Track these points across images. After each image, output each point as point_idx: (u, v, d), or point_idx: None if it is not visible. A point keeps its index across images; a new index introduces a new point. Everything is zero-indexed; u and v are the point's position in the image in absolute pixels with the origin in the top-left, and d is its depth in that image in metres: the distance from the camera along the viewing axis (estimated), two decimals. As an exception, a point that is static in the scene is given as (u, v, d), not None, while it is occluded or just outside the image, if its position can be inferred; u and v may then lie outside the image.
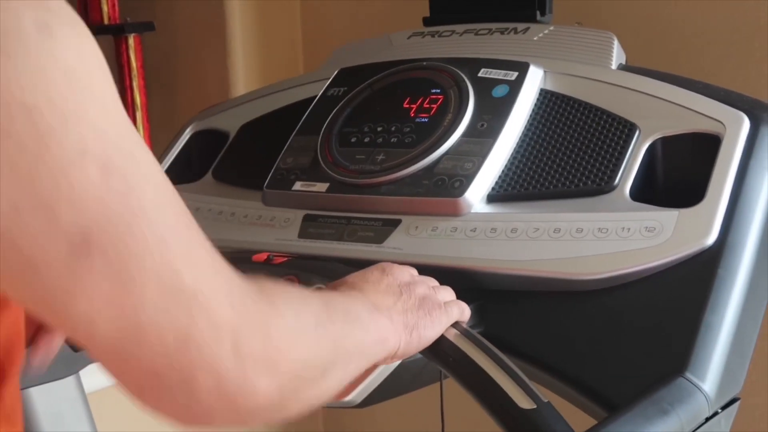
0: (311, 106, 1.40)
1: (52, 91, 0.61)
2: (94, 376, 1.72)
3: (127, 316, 0.65)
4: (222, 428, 0.75)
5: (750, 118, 1.13)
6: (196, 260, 0.69)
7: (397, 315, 0.96)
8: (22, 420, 0.84)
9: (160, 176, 0.68)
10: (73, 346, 1.47)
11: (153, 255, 0.66)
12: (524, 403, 0.93)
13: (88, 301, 0.64)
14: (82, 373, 1.66)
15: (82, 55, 0.64)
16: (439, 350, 1.00)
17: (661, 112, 1.18)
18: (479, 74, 1.30)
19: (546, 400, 0.93)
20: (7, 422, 0.80)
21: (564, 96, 1.25)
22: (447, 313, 1.01)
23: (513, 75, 1.28)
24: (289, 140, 1.37)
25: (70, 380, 1.61)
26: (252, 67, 2.10)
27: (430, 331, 0.99)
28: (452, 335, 1.01)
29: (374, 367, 1.02)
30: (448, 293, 1.05)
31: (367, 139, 1.30)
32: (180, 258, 0.67)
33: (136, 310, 0.65)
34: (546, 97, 1.26)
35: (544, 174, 1.19)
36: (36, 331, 0.94)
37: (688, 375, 0.97)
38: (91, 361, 1.57)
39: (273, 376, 0.73)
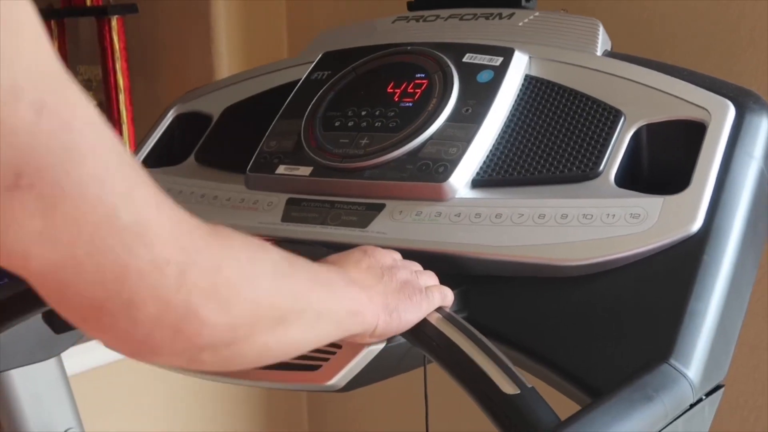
0: (295, 90, 1.39)
1: None
2: (76, 359, 1.72)
3: (61, 251, 0.66)
4: (173, 363, 0.75)
5: (735, 106, 1.13)
6: (136, 198, 0.69)
7: (377, 296, 0.96)
8: None
9: (95, 117, 0.68)
10: (55, 329, 1.46)
11: (88, 192, 0.66)
12: (508, 388, 0.93)
13: (21, 236, 0.65)
14: (64, 355, 1.65)
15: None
16: (423, 334, 1.00)
17: (646, 99, 1.17)
18: (464, 59, 1.29)
19: (530, 386, 0.93)
20: None
21: (549, 82, 1.24)
22: (428, 298, 1.01)
23: (498, 60, 1.27)
24: (273, 124, 1.36)
25: (51, 362, 1.60)
26: (236, 50, 2.10)
27: (411, 314, 0.99)
28: (435, 320, 1.01)
29: (358, 350, 1.02)
30: (430, 278, 1.05)
31: (350, 123, 1.29)
32: (119, 195, 0.68)
33: (72, 245, 0.66)
34: (531, 83, 1.25)
35: (528, 160, 1.18)
36: None
37: (673, 362, 0.96)
38: (72, 344, 1.57)
39: (222, 311, 0.73)
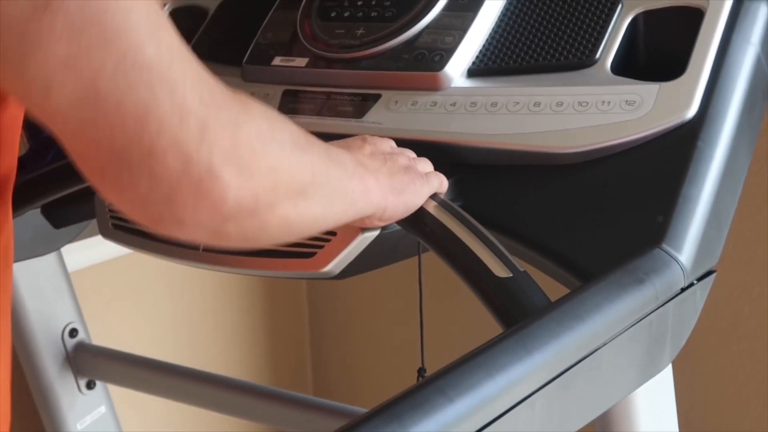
0: (291, -19, 1.38)
1: None
2: (76, 255, 1.73)
3: (84, 82, 0.65)
4: (198, 236, 0.74)
5: (733, -8, 1.12)
6: (162, 39, 0.68)
7: (384, 179, 0.96)
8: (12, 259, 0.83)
9: None
10: (54, 223, 1.47)
11: (116, 21, 0.65)
12: (500, 271, 0.93)
13: (46, 63, 0.64)
14: (64, 252, 1.67)
15: None
16: (417, 220, 1.00)
17: (644, -15, 1.16)
18: (462, -53, 1.28)
19: (522, 270, 0.94)
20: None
21: (547, -30, 1.23)
22: (428, 182, 1.01)
23: (496, -52, 1.26)
24: (269, 16, 1.36)
25: (51, 257, 1.62)
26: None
27: (416, 197, 0.99)
28: (430, 206, 1.01)
29: (353, 236, 1.03)
30: (426, 165, 1.05)
31: (347, 14, 1.28)
32: (146, 32, 0.66)
33: (94, 76, 0.65)
34: (528, -29, 1.24)
35: (525, 48, 1.18)
36: None
37: (665, 246, 0.97)
38: (71, 239, 1.58)
39: (244, 176, 0.72)
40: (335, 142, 0.99)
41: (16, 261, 1.26)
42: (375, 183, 0.94)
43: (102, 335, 1.82)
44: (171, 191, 0.69)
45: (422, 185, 1.01)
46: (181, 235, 0.73)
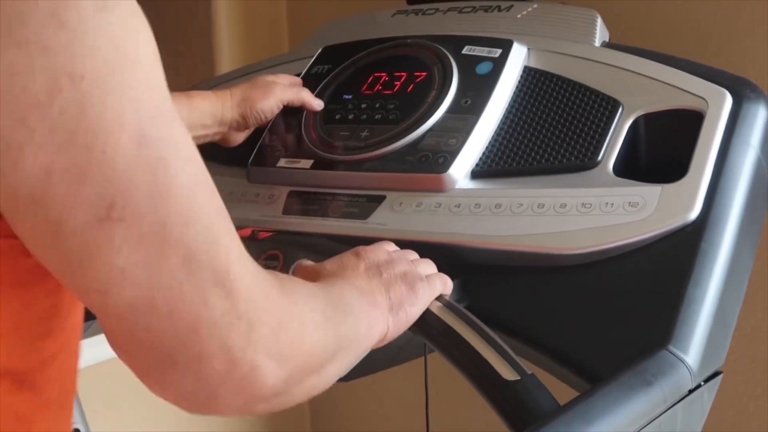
0: (295, 84, 1.40)
1: (100, 64, 0.63)
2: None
3: (140, 288, 0.66)
4: (225, 414, 0.75)
5: (732, 95, 1.14)
6: (220, 246, 0.69)
7: (381, 296, 0.96)
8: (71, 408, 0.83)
9: (194, 158, 0.69)
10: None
11: (174, 232, 0.66)
12: (508, 374, 0.93)
13: (105, 269, 0.65)
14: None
15: (133, 34, 0.65)
16: (423, 323, 1.00)
17: (644, 88, 1.18)
18: (463, 51, 1.30)
19: (530, 372, 0.94)
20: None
21: (548, 73, 1.25)
22: (430, 286, 1.01)
23: (497, 52, 1.28)
24: (274, 118, 1.37)
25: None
26: (237, 44, 2.10)
27: (416, 306, 0.99)
28: (436, 308, 1.01)
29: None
30: (428, 266, 1.05)
31: (351, 116, 1.30)
32: (203, 240, 0.67)
33: (150, 284, 0.66)
34: (530, 74, 1.26)
35: (527, 150, 1.19)
36: None
37: (671, 348, 0.97)
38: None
39: (281, 367, 0.73)
40: (331, 263, 1.00)
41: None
42: (377, 312, 0.94)
43: (103, 434, 1.80)
44: (214, 390, 0.70)
45: (423, 289, 1.01)
46: (212, 414, 0.74)
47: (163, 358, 0.68)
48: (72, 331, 0.79)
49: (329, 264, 1.00)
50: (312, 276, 0.98)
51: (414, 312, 0.99)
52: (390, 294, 0.97)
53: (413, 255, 1.06)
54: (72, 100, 0.62)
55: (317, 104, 1.35)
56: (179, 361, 0.68)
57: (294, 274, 1.02)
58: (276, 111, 1.36)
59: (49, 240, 0.65)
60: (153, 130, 0.65)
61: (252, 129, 1.37)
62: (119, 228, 0.64)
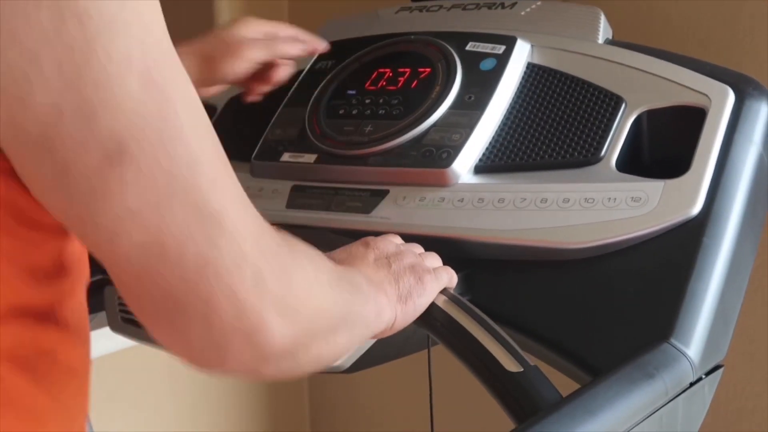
0: (299, 79, 1.41)
1: (105, 2, 0.63)
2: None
3: (149, 232, 0.66)
4: (232, 374, 0.74)
5: (735, 92, 1.14)
6: (225, 189, 0.69)
7: (390, 287, 0.96)
8: (89, 338, 0.82)
9: (196, 101, 0.69)
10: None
11: (183, 173, 0.66)
12: (511, 366, 0.94)
13: (114, 212, 0.65)
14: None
15: None
16: (427, 315, 1.01)
17: (647, 85, 1.19)
18: (467, 48, 1.31)
19: (533, 364, 0.95)
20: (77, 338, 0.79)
21: (551, 69, 1.26)
22: (437, 278, 1.02)
23: (500, 48, 1.29)
24: (277, 112, 1.38)
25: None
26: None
27: (424, 297, 1.00)
28: (440, 301, 1.02)
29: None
30: (434, 259, 1.06)
31: (355, 111, 1.31)
32: (210, 182, 0.68)
33: (160, 226, 0.66)
34: (533, 71, 1.27)
35: (531, 146, 1.20)
36: None
37: (673, 341, 0.98)
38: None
39: (290, 322, 0.72)
40: (339, 252, 1.00)
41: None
42: (386, 300, 0.95)
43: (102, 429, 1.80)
44: (223, 339, 0.70)
45: (431, 281, 1.01)
46: (218, 373, 0.74)
47: (171, 305, 0.68)
48: (81, 263, 0.79)
49: (337, 254, 1.00)
50: None
51: (421, 303, 1.00)
52: (399, 285, 0.97)
53: (419, 249, 1.07)
54: (78, 36, 0.62)
55: (298, 49, 1.28)
56: (188, 307, 0.68)
57: None
58: (246, 72, 1.30)
59: (58, 183, 0.65)
60: (158, 73, 0.65)
61: (222, 87, 1.32)
62: (129, 169, 0.64)
